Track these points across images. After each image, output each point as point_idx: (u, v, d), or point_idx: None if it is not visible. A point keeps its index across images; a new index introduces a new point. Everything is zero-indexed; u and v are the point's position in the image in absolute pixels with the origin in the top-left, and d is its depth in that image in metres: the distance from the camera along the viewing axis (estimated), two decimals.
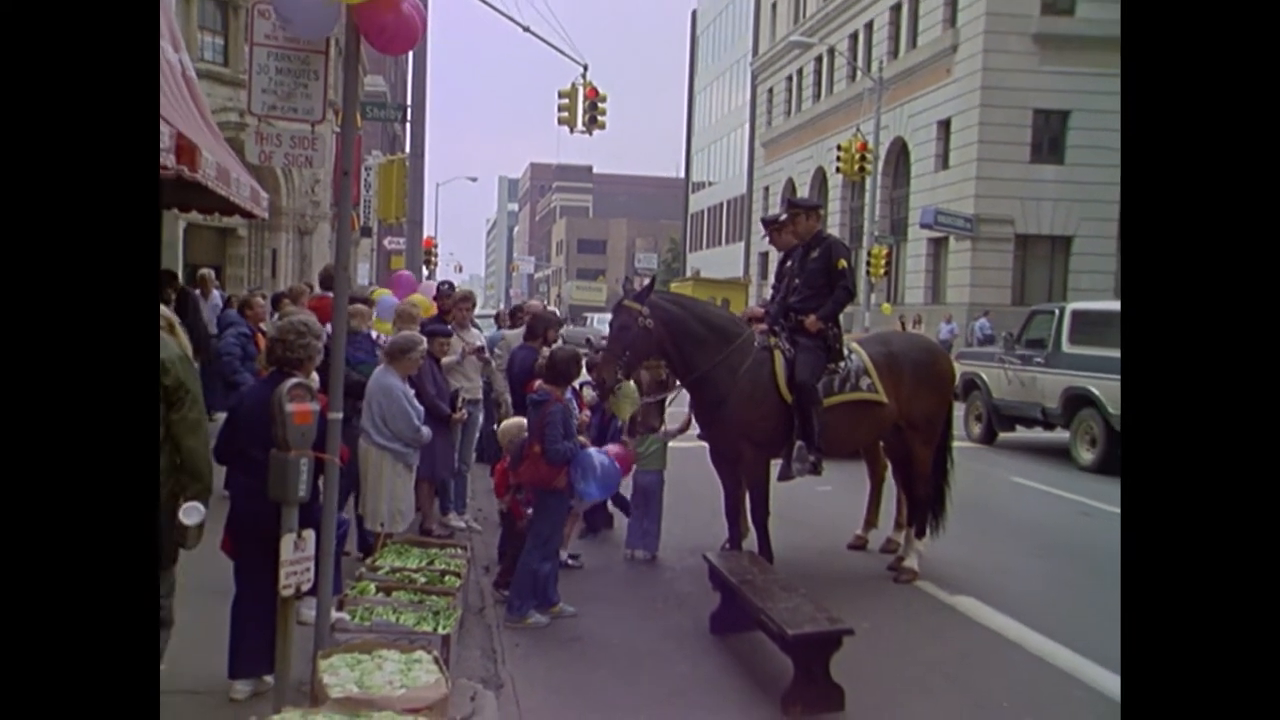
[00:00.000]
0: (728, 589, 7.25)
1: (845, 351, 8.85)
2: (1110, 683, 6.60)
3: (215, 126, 14.15)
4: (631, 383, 9.12)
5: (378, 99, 28.44)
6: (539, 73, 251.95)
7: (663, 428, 9.72)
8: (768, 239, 9.67)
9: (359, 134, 6.39)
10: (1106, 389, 15.20)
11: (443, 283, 17.93)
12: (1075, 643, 7.40)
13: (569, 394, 7.99)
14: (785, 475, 8.65)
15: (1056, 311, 17.47)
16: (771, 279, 9.60)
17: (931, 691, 6.54)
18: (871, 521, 10.06)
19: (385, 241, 41.52)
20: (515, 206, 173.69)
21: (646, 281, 8.88)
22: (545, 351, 9.24)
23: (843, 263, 8.84)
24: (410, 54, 24.01)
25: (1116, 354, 14.42)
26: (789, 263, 9.25)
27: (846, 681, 6.08)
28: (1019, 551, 10.38)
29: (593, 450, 7.79)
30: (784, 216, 9.29)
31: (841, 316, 9.06)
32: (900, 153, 44.84)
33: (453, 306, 11.01)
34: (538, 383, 8.09)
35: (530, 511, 7.80)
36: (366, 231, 36.10)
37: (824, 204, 53.00)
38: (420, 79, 23.03)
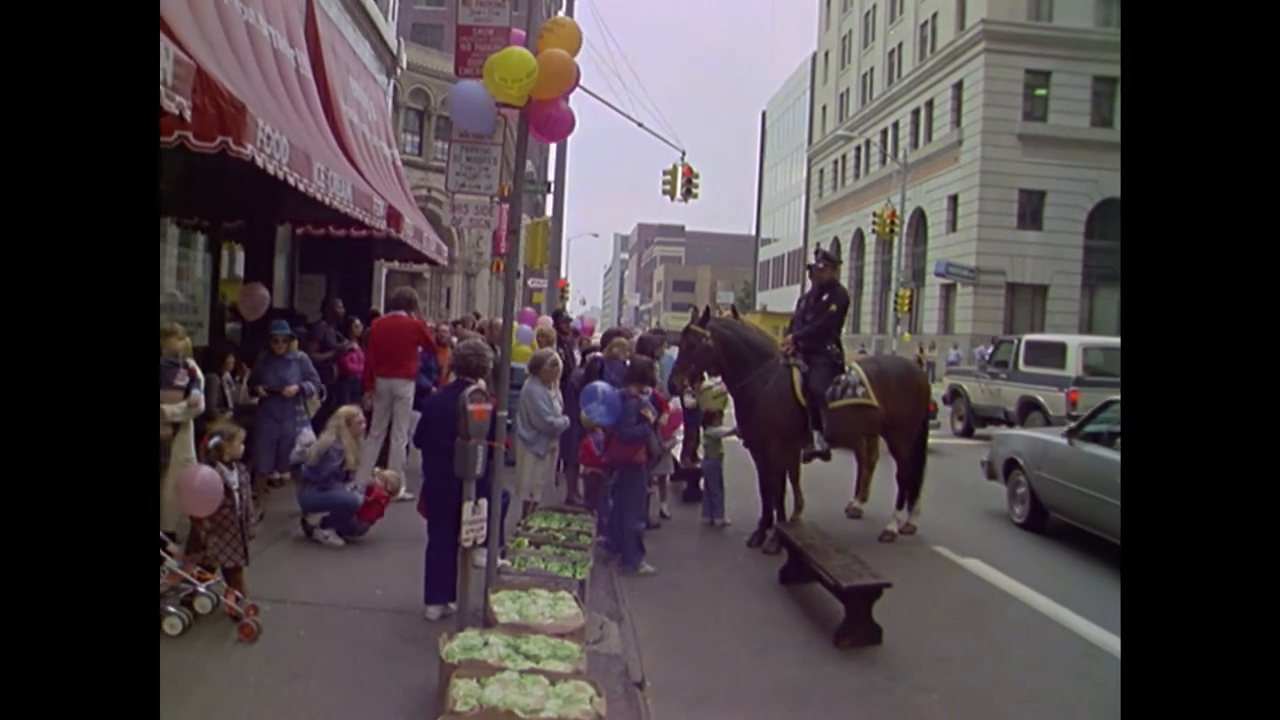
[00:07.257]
0: (794, 550, 7.13)
1: (846, 367, 8.81)
2: (1077, 622, 6.67)
3: (413, 198, 14.48)
4: (721, 384, 9.07)
5: (529, 177, 28.75)
6: (648, 152, 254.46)
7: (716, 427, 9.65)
8: (811, 276, 9.55)
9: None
10: (1048, 396, 15.66)
11: (556, 311, 17.84)
12: (1052, 592, 7.32)
13: (650, 398, 7.91)
14: (809, 456, 8.66)
15: (1015, 341, 17.78)
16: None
17: (946, 628, 6.44)
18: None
19: (529, 282, 42.03)
20: (626, 255, 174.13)
21: (704, 310, 8.79)
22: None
23: (834, 307, 8.84)
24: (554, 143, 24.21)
25: (1056, 371, 15.64)
26: (807, 300, 9.23)
27: (883, 621, 6.00)
28: (1013, 525, 10.03)
29: (598, 384, 8.01)
30: (820, 264, 9.27)
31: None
32: (920, 219, 44.21)
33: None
34: None
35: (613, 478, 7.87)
36: (517, 275, 36.55)
37: (861, 257, 52.70)
38: (561, 162, 23.17)
